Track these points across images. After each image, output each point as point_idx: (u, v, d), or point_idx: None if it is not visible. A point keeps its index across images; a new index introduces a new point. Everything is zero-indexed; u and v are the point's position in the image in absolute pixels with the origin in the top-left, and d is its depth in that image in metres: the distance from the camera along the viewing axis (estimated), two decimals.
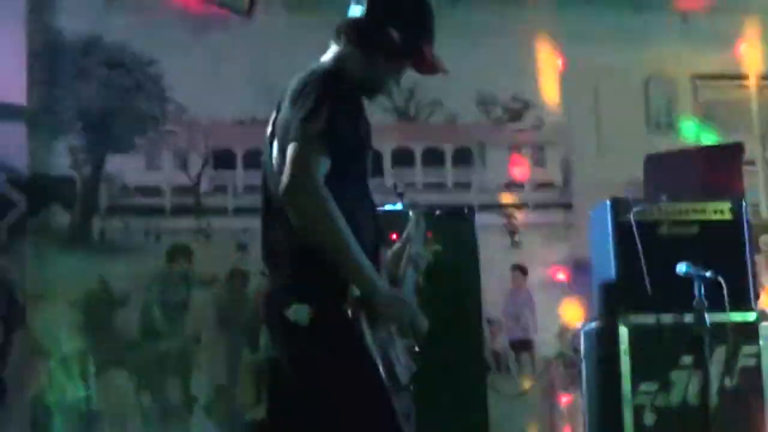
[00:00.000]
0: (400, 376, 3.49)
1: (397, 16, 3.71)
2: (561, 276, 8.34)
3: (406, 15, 3.74)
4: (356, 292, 3.36)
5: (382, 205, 5.29)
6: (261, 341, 7.55)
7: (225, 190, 8.17)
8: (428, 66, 3.81)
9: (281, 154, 3.46)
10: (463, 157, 8.48)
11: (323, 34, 3.84)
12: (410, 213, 4.03)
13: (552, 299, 8.31)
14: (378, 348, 3.42)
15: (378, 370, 3.40)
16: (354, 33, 3.71)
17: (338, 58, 3.71)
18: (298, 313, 3.38)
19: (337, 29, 3.76)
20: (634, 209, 6.24)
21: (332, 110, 3.38)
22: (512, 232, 8.42)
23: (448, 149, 8.48)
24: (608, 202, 6.36)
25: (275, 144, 3.56)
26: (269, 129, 3.66)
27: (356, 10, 3.74)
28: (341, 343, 3.40)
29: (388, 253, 3.72)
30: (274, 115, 3.65)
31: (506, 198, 8.48)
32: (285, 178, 3.34)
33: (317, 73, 3.56)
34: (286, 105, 3.53)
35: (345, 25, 3.75)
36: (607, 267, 6.33)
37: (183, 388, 7.87)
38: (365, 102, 3.68)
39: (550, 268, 8.36)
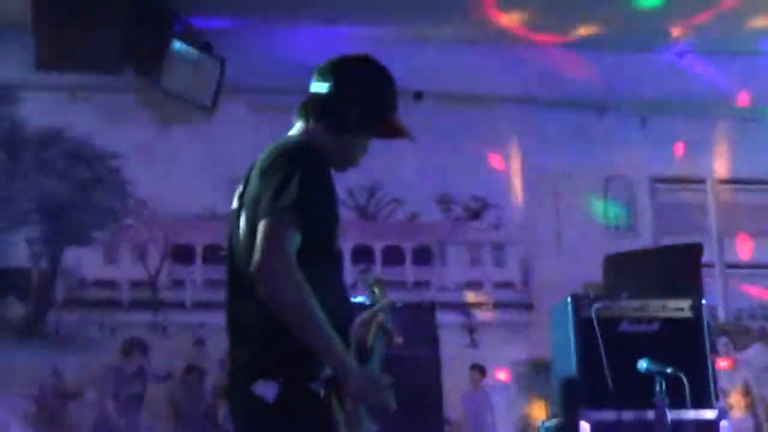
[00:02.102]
0: None
1: (363, 92, 3.74)
2: (520, 375, 8.29)
3: (372, 89, 3.77)
4: (328, 371, 3.31)
5: None
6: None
7: (183, 284, 8.11)
8: (393, 132, 3.84)
9: (250, 230, 3.43)
10: (422, 256, 8.48)
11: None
12: (374, 288, 3.99)
13: (511, 399, 8.26)
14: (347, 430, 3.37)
15: None
16: (321, 109, 3.71)
17: (306, 133, 3.71)
18: (265, 389, 3.32)
19: (303, 105, 3.77)
20: (595, 305, 6.24)
21: (302, 184, 3.35)
22: (471, 331, 8.39)
23: (408, 247, 8.48)
24: (569, 298, 6.36)
25: (242, 218, 3.53)
26: (236, 203, 3.63)
27: (320, 87, 3.75)
28: (308, 423, 3.32)
29: (356, 324, 3.66)
30: (241, 188, 3.63)
31: (466, 297, 8.46)
32: (257, 255, 3.28)
33: (287, 148, 3.55)
34: (255, 179, 3.50)
35: (311, 101, 3.76)
36: (568, 363, 6.31)
37: None
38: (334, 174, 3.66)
39: (509, 368, 8.32)
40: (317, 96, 3.74)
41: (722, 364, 7.69)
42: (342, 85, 3.72)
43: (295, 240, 3.31)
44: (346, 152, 3.75)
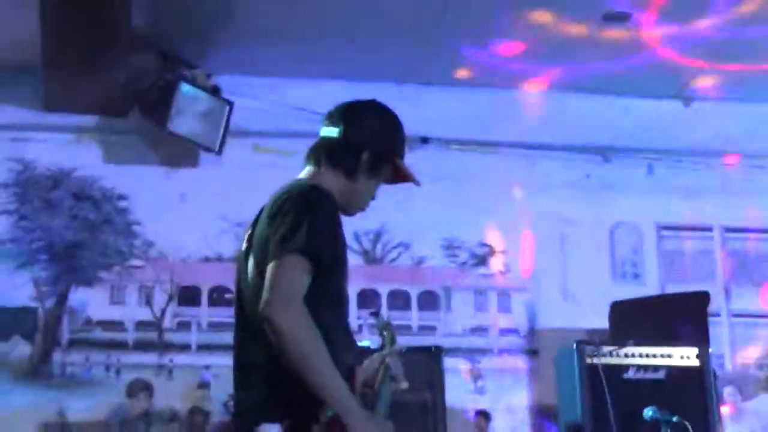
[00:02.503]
0: None
1: (373, 137, 3.77)
2: (525, 422, 8.25)
3: (382, 134, 3.80)
4: (330, 412, 3.29)
5: None
6: None
7: (189, 326, 8.10)
8: (401, 178, 3.86)
9: (258, 272, 3.43)
10: (428, 301, 8.47)
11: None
12: (383, 331, 4.00)
13: None
14: None
15: None
16: (331, 154, 3.74)
17: (316, 176, 3.72)
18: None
19: (313, 149, 3.80)
20: (601, 352, 6.23)
21: (312, 227, 3.37)
22: (476, 377, 8.36)
23: (414, 292, 8.46)
24: (574, 345, 6.35)
25: (251, 260, 3.53)
26: (245, 245, 3.64)
27: (330, 131, 3.77)
28: None
29: (363, 368, 3.66)
30: (250, 230, 3.64)
31: (471, 342, 8.43)
32: (265, 295, 3.29)
33: (295, 191, 3.56)
34: (264, 221, 3.51)
35: (321, 146, 3.79)
36: (573, 410, 6.30)
37: None
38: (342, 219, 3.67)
39: (514, 415, 8.27)
40: (327, 140, 3.77)
41: None
42: (352, 130, 3.74)
43: (303, 282, 3.31)
44: (356, 197, 3.77)
